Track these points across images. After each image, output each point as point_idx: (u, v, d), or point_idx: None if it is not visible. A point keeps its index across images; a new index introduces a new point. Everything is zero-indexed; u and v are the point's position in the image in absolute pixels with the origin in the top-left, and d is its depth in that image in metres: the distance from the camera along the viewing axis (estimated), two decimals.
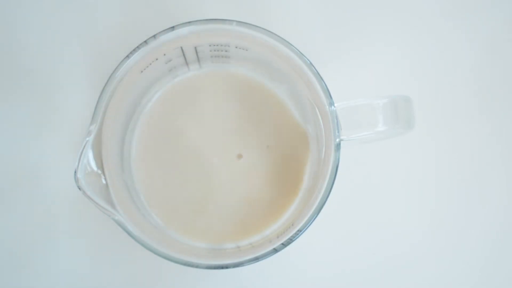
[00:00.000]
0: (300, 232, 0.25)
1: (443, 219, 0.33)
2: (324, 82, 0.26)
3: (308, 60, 0.26)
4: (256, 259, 0.25)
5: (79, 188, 0.25)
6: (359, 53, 0.33)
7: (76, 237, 0.32)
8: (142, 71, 0.27)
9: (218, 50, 0.28)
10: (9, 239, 0.32)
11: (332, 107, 0.25)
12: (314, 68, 0.26)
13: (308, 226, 0.25)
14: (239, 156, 0.30)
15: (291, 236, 0.25)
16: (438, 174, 0.33)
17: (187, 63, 0.29)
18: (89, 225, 0.32)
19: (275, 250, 0.25)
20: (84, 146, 0.25)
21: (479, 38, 0.34)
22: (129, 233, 0.25)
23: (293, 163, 0.30)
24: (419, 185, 0.33)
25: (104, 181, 0.25)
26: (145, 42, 0.26)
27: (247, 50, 0.27)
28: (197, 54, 0.28)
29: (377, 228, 0.33)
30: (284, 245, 0.25)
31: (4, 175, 0.32)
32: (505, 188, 0.33)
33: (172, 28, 0.25)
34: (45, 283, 0.32)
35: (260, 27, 0.26)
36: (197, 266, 0.25)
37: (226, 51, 0.28)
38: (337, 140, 0.25)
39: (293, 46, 0.26)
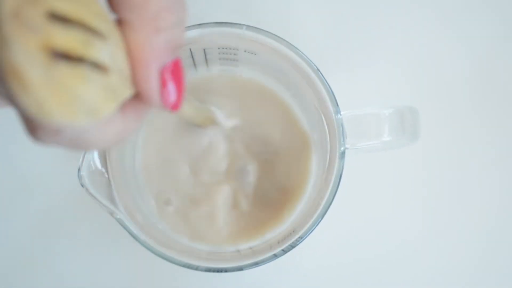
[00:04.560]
0: (301, 239, 0.25)
1: (446, 226, 0.33)
2: (331, 90, 0.26)
3: (316, 66, 0.26)
4: (256, 263, 0.25)
5: (82, 186, 0.25)
6: (367, 62, 0.33)
7: (76, 237, 0.32)
8: None
9: (226, 53, 0.28)
10: (10, 239, 0.32)
11: (338, 115, 0.25)
12: (322, 75, 0.26)
13: (310, 233, 0.25)
14: (243, 160, 0.30)
15: (292, 243, 0.25)
16: (441, 183, 0.33)
17: (194, 65, 0.29)
18: (89, 225, 0.32)
19: (275, 256, 0.25)
20: None
21: (483, 49, 0.34)
22: (130, 232, 0.25)
23: (297, 169, 0.29)
24: (421, 193, 0.33)
25: (107, 180, 0.25)
26: None
27: (255, 54, 0.27)
28: (205, 56, 0.28)
29: (379, 236, 0.33)
30: (285, 251, 0.25)
31: (5, 174, 0.32)
32: (509, 196, 0.33)
33: None
34: (46, 283, 0.32)
35: (270, 33, 0.26)
36: (196, 268, 0.25)
37: (234, 54, 0.28)
38: (342, 148, 0.25)
39: (302, 52, 0.26)
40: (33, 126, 0.13)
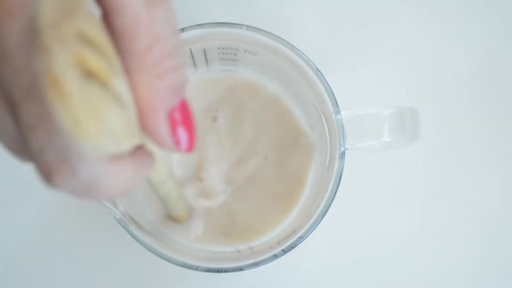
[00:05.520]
0: (301, 239, 0.25)
1: (446, 226, 0.33)
2: (331, 90, 0.26)
3: (316, 66, 0.26)
4: (256, 264, 0.25)
5: None
6: (367, 62, 0.33)
7: (75, 237, 0.32)
8: None
9: (226, 54, 0.28)
10: (9, 239, 0.32)
11: (338, 115, 0.25)
12: (321, 74, 0.26)
13: (310, 233, 0.25)
14: (243, 160, 0.30)
15: (292, 243, 0.25)
16: (441, 183, 0.33)
17: (195, 65, 0.29)
18: (89, 225, 0.32)
19: (275, 256, 0.25)
20: None
21: (483, 49, 0.34)
22: (129, 233, 0.25)
23: (297, 169, 0.29)
24: (421, 193, 0.33)
25: None
26: None
27: (255, 54, 0.27)
28: (205, 56, 0.28)
29: (379, 236, 0.33)
30: (285, 251, 0.25)
31: (5, 174, 0.32)
32: (509, 196, 0.33)
33: (182, 30, 0.25)
34: (45, 283, 0.32)
35: (270, 33, 0.26)
36: (196, 268, 0.25)
37: (234, 54, 0.28)
38: (342, 148, 0.25)
39: (302, 52, 0.26)
40: (48, 170, 0.13)
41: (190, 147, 0.16)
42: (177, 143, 0.15)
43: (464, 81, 0.34)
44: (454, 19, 0.34)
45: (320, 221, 0.25)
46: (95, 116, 0.12)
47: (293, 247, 0.25)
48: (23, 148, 0.14)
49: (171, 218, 0.28)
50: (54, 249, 0.32)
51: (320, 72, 0.26)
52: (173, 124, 0.15)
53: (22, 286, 0.32)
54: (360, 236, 0.33)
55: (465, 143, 0.33)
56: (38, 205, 0.32)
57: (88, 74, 0.12)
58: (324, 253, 0.32)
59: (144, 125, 0.14)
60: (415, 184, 0.33)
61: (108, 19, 0.14)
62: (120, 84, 0.13)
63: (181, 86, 0.15)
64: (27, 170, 0.32)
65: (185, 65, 0.15)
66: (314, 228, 0.25)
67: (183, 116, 0.15)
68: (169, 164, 0.22)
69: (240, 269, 0.25)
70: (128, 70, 0.14)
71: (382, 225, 0.33)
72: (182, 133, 0.15)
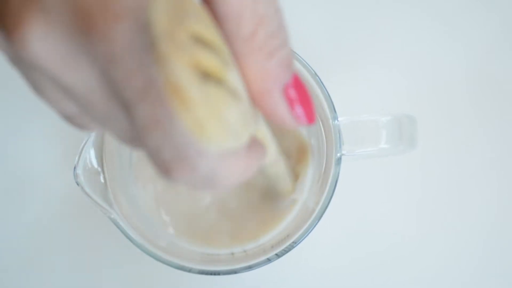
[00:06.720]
0: (295, 244, 0.25)
1: (443, 232, 0.33)
2: (329, 95, 0.25)
3: (314, 70, 0.26)
4: (250, 267, 0.25)
5: (77, 184, 0.25)
6: (365, 68, 0.33)
7: (72, 238, 0.32)
8: None
9: None
10: (6, 241, 0.32)
11: (336, 121, 0.25)
12: (319, 79, 0.26)
13: (304, 238, 0.25)
14: None
15: (286, 247, 0.25)
16: (439, 190, 0.33)
17: None
18: (85, 227, 0.32)
19: (269, 260, 0.25)
20: (85, 143, 0.25)
21: (484, 56, 0.34)
22: (124, 233, 0.25)
23: (293, 173, 0.29)
24: (419, 199, 0.33)
25: (102, 180, 0.25)
26: None
27: None
28: None
29: (375, 241, 0.33)
30: (278, 255, 0.25)
31: (6, 175, 0.32)
32: (507, 203, 0.33)
33: None
34: (44, 284, 0.32)
35: None
36: (189, 270, 0.25)
37: None
38: (338, 154, 0.25)
39: (300, 57, 0.26)
40: (167, 167, 0.13)
41: (311, 119, 0.16)
42: (297, 118, 0.15)
43: (465, 88, 0.34)
44: (454, 25, 0.34)
45: (315, 226, 0.25)
46: (217, 117, 0.12)
47: (287, 252, 0.25)
48: (137, 139, 0.14)
49: (275, 194, 0.28)
50: (53, 250, 0.32)
51: (318, 77, 0.26)
52: (289, 100, 0.15)
53: (22, 286, 0.32)
54: (356, 241, 0.33)
55: (463, 150, 0.33)
56: (37, 205, 0.32)
57: (206, 75, 0.12)
58: (321, 257, 0.32)
59: (262, 109, 0.14)
60: (412, 191, 0.33)
61: (210, 6, 0.14)
62: (233, 76, 0.13)
63: (289, 62, 0.15)
64: (27, 169, 0.32)
65: (289, 42, 0.15)
66: (308, 233, 0.25)
67: (297, 90, 0.15)
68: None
69: (234, 272, 0.25)
70: (235, 55, 0.14)
71: (378, 230, 0.33)
72: (300, 107, 0.15)
